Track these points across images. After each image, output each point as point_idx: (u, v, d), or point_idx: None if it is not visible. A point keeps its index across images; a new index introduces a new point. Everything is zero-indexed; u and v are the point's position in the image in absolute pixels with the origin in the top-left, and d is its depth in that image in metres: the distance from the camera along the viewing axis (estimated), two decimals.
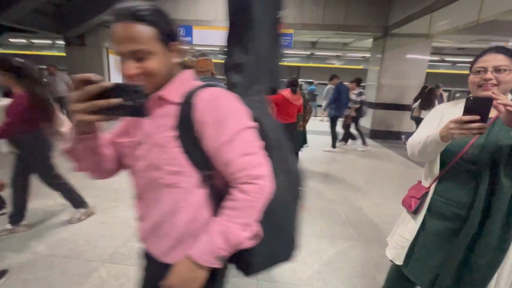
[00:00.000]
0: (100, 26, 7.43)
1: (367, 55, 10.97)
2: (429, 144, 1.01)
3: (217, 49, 13.34)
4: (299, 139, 4.00)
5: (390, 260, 1.30)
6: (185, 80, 0.73)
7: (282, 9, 0.84)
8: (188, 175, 0.69)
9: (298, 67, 15.01)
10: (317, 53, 13.42)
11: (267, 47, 0.83)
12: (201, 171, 0.70)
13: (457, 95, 11.23)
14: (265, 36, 0.81)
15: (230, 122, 0.66)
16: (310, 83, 11.36)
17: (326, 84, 11.22)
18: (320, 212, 2.94)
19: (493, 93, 0.87)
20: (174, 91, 0.70)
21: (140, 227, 0.81)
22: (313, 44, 12.53)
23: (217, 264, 0.68)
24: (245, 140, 0.67)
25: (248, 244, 0.71)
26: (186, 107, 0.67)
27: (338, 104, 5.51)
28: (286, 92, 3.52)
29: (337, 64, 14.70)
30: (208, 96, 0.68)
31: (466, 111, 0.85)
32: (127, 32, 0.62)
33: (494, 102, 0.85)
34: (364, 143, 6.06)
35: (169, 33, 0.68)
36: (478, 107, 0.84)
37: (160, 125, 0.69)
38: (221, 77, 2.31)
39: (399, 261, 1.22)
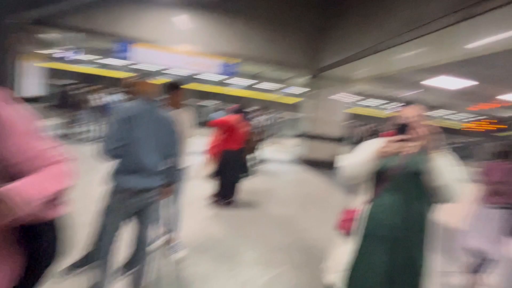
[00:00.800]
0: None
1: (303, 90, 12.22)
2: (364, 163, 1.21)
3: (158, 69, 12.99)
4: (244, 167, 4.02)
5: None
6: None
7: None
8: None
9: (242, 96, 15.63)
10: (259, 84, 14.30)
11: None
12: None
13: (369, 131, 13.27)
14: None
15: (18, 126, 0.73)
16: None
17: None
18: (256, 239, 2.96)
19: (414, 117, 1.17)
20: None
21: None
22: (256, 76, 13.37)
23: (20, 203, 0.60)
24: (35, 139, 0.75)
25: (58, 211, 0.72)
26: None
27: None
28: (234, 118, 3.58)
29: (278, 96, 15.84)
30: None
31: (396, 132, 1.16)
32: None
33: (416, 127, 1.14)
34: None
35: None
36: (404, 129, 1.15)
37: None
38: (160, 97, 2.23)
39: (339, 285, 1.27)
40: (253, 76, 13.37)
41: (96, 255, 1.70)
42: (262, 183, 5.49)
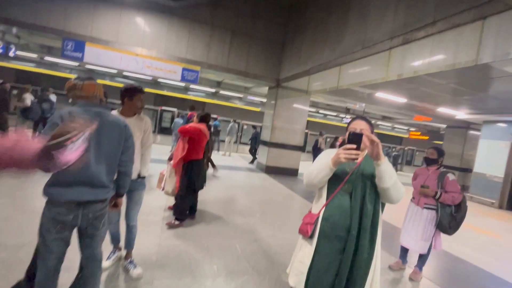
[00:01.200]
0: None
1: (264, 100, 12.54)
2: (323, 170, 1.33)
3: (114, 71, 12.19)
4: (204, 177, 3.84)
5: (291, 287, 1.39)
6: None
7: None
8: None
9: (204, 102, 15.43)
10: (222, 92, 14.30)
11: None
12: None
13: (328, 140, 14.15)
14: None
15: None
16: (214, 119, 11.84)
17: (229, 121, 11.95)
18: (218, 250, 2.90)
19: (362, 130, 1.32)
20: None
21: None
22: (218, 83, 13.36)
23: None
24: None
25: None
26: None
27: None
28: (203, 127, 3.43)
29: (239, 104, 16.00)
30: None
31: (348, 142, 1.26)
32: None
33: (364, 136, 1.27)
34: (214, 168, 6.88)
35: None
36: (354, 139, 1.25)
37: None
38: (113, 101, 2.10)
39: (300, 287, 1.34)
40: (215, 84, 13.32)
41: (36, 282, 1.50)
42: (222, 191, 5.45)
